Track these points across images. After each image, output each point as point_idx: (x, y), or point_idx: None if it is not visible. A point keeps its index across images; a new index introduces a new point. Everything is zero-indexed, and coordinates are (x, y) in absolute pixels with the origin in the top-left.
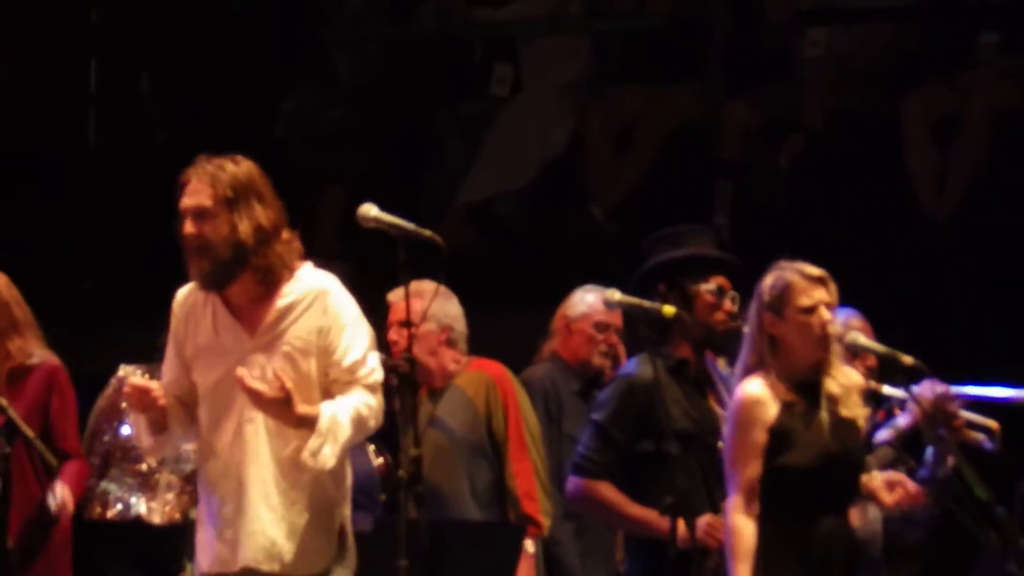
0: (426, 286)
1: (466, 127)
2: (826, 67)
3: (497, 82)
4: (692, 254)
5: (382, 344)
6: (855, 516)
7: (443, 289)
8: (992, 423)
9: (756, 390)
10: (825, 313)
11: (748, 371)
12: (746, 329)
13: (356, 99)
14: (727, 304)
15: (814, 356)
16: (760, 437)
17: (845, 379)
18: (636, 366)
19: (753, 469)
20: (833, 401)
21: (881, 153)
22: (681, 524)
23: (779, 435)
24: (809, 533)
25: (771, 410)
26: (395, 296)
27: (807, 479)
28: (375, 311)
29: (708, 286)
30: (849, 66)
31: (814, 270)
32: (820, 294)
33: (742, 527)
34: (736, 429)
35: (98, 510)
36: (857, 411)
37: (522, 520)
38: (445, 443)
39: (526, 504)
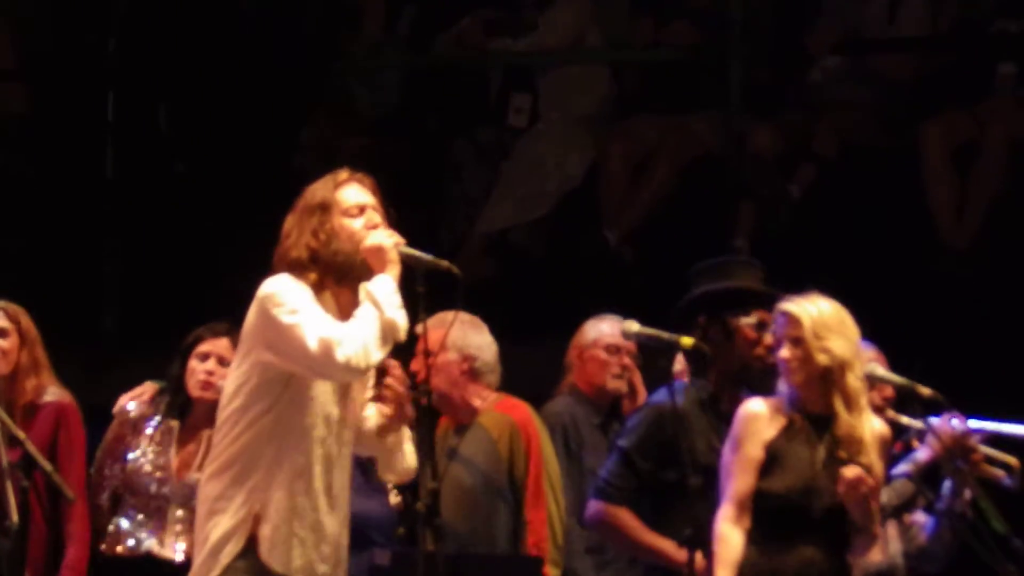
0: (450, 316)
1: (483, 157)
2: (842, 96)
3: (515, 112)
4: (733, 287)
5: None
6: (876, 551)
7: (471, 318)
8: (1012, 459)
9: (757, 407)
10: (765, 336)
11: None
12: None
13: (374, 128)
14: (768, 339)
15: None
16: (755, 452)
17: (859, 424)
18: (667, 395)
19: (745, 482)
20: (836, 442)
21: (899, 181)
22: (699, 556)
23: (770, 457)
24: (784, 560)
25: (770, 428)
26: (420, 328)
27: (784, 506)
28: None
29: (749, 320)
30: (865, 95)
31: (786, 304)
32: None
33: (728, 535)
34: (733, 442)
35: (109, 546)
36: (864, 459)
37: None
38: (465, 482)
39: (535, 555)
